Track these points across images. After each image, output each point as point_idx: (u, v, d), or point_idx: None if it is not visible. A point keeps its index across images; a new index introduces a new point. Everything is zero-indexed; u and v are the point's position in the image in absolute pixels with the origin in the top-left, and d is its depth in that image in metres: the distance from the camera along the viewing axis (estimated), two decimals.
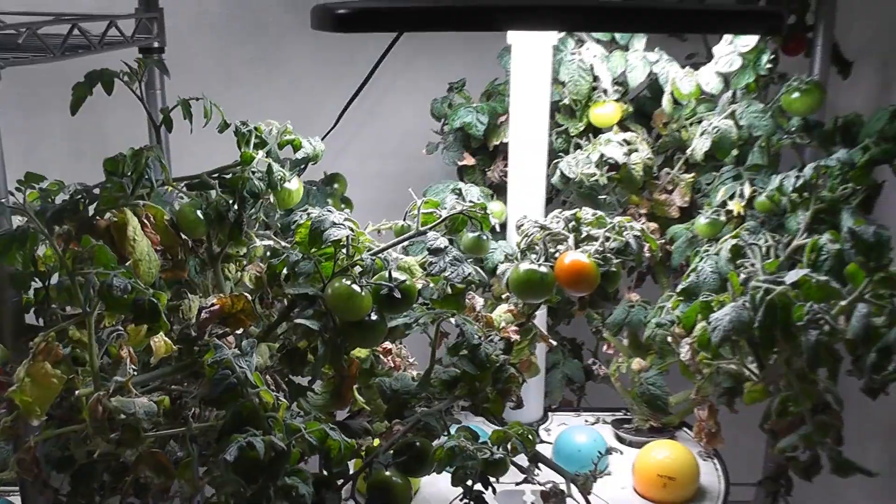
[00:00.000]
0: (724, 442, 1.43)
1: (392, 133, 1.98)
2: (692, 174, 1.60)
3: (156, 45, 1.52)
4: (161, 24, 1.53)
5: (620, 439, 1.66)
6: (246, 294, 1.16)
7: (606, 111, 1.60)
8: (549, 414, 1.73)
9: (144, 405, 1.02)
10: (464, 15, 1.20)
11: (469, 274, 1.21)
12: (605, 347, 1.65)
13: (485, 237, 1.35)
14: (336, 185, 1.59)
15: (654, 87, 1.64)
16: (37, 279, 1.12)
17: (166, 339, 1.07)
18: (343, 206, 1.58)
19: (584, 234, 1.35)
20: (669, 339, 1.38)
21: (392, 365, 1.32)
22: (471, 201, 1.35)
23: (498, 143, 1.67)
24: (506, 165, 1.63)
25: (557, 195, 1.67)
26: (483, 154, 1.72)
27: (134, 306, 1.00)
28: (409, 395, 1.25)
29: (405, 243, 1.30)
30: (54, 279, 1.11)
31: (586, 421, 1.72)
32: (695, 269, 1.37)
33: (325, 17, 1.19)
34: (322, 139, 1.46)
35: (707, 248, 1.41)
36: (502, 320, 1.33)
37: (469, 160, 1.70)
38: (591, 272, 1.29)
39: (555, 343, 1.50)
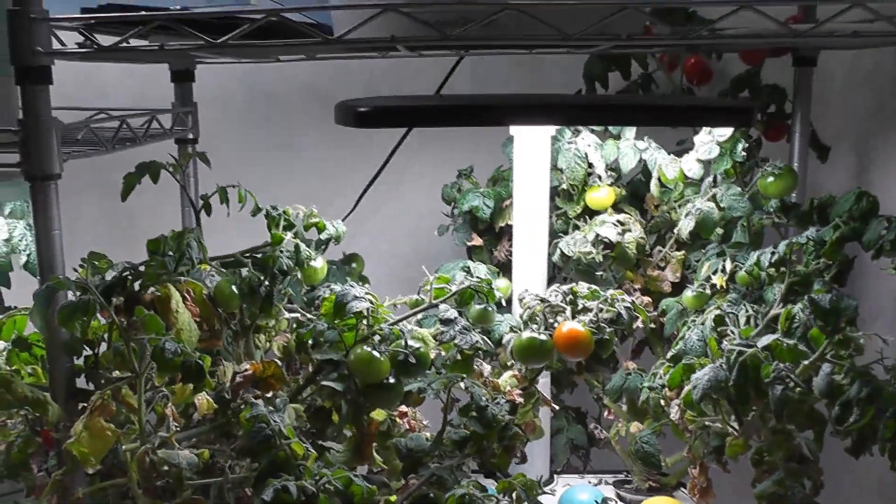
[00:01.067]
0: (715, 497, 1.53)
1: (404, 215, 2.09)
2: (682, 252, 1.71)
3: (190, 136, 1.66)
4: (195, 117, 1.68)
5: (621, 499, 1.75)
6: (276, 360, 1.29)
7: (601, 195, 1.72)
8: (555, 476, 1.83)
9: (187, 457, 1.14)
10: (469, 112, 1.34)
11: (476, 341, 1.36)
12: (606, 413, 1.76)
13: (490, 308, 1.47)
14: (354, 265, 1.71)
15: (646, 171, 1.75)
16: (86, 347, 1.23)
17: (208, 397, 1.20)
18: (360, 283, 1.67)
19: (581, 306, 1.48)
20: (661, 401, 1.50)
21: (407, 427, 1.45)
22: (478, 277, 1.48)
23: (503, 224, 1.79)
24: (511, 245, 1.74)
25: (559, 272, 1.78)
26: (490, 235, 1.83)
27: (183, 367, 1.13)
28: (423, 453, 1.37)
29: (419, 315, 1.43)
30: (103, 347, 1.22)
31: (589, 482, 1.82)
32: (682, 338, 1.50)
33: (347, 113, 1.32)
34: (342, 221, 1.59)
35: (694, 319, 1.54)
36: (507, 384, 1.46)
37: (477, 241, 1.81)
38: (586, 339, 1.43)
39: (557, 407, 1.61)
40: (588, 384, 1.75)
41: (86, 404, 1.20)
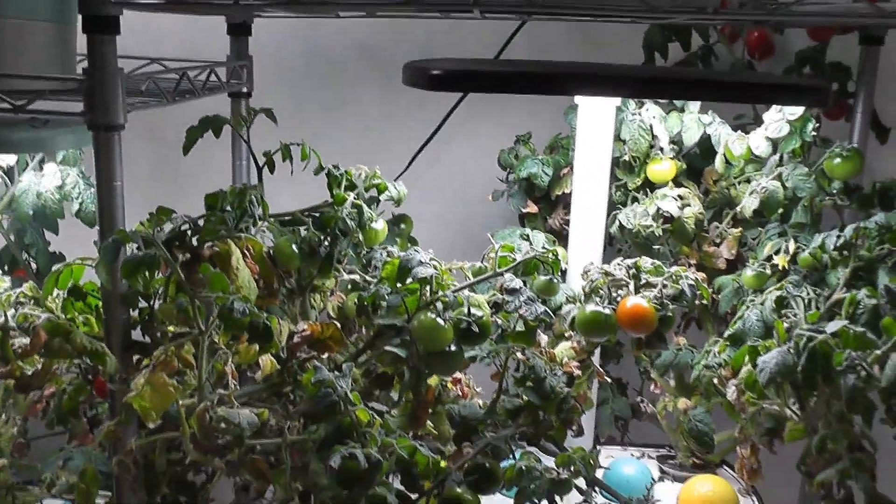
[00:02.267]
0: (764, 478, 1.52)
1: (455, 178, 2.08)
2: (739, 229, 1.70)
3: (245, 90, 1.64)
4: (250, 71, 1.65)
5: (664, 473, 1.76)
6: (335, 322, 1.29)
7: (663, 168, 1.71)
8: (598, 447, 1.81)
9: (247, 416, 1.14)
10: (540, 80, 1.32)
11: (541, 312, 1.34)
12: (652, 387, 1.75)
13: (556, 280, 1.46)
14: (403, 226, 1.68)
15: (703, 145, 1.73)
16: (142, 299, 1.23)
17: (272, 358, 1.20)
18: (410, 244, 1.66)
19: (643, 281, 1.47)
20: (716, 380, 1.49)
21: (459, 393, 1.44)
22: (543, 247, 1.47)
23: (560, 193, 1.78)
24: (566, 214, 1.74)
25: (612, 243, 1.77)
26: (545, 203, 1.82)
27: (250, 327, 1.12)
28: (476, 421, 1.36)
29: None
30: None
31: (632, 455, 1.82)
32: (741, 317, 1.48)
33: (418, 75, 1.31)
34: (394, 181, 1.57)
35: (752, 298, 1.52)
36: (564, 356, 1.45)
37: (532, 208, 1.81)
38: (650, 315, 1.41)
39: (609, 380, 1.61)
40: (636, 358, 1.74)
41: (140, 356, 1.22)
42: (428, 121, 1.98)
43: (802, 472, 1.34)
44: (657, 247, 1.68)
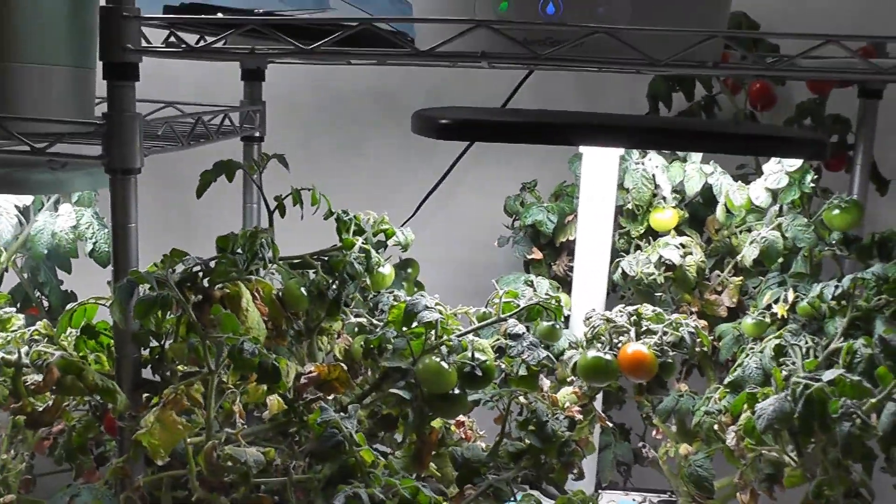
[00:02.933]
0: None
1: (460, 224, 2.11)
2: (740, 277, 1.72)
3: (257, 134, 1.67)
4: (263, 116, 1.69)
5: None
6: (341, 364, 1.30)
7: (665, 216, 1.73)
8: (600, 492, 1.83)
9: (254, 455, 1.16)
10: (545, 131, 1.36)
11: (543, 357, 1.37)
12: (654, 433, 1.76)
13: (558, 326, 1.48)
14: (410, 270, 1.70)
15: (705, 194, 1.76)
16: (153, 339, 1.25)
17: (279, 398, 1.22)
18: (416, 288, 1.69)
19: (644, 328, 1.49)
20: (716, 426, 1.51)
21: (463, 436, 1.46)
22: (546, 293, 1.50)
23: (564, 240, 1.80)
24: (570, 260, 1.76)
25: (615, 290, 1.78)
26: (549, 249, 1.85)
27: (259, 368, 1.15)
28: (479, 463, 1.38)
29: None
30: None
31: (634, 500, 1.83)
32: (741, 365, 1.50)
33: (426, 124, 1.34)
34: (401, 227, 1.60)
35: (752, 346, 1.54)
36: (567, 401, 1.47)
37: (537, 255, 1.83)
38: (651, 362, 1.44)
39: (611, 425, 1.63)
40: (639, 404, 1.76)
41: (150, 395, 1.24)
42: (437, 166, 2.01)
43: None
44: (659, 294, 1.70)
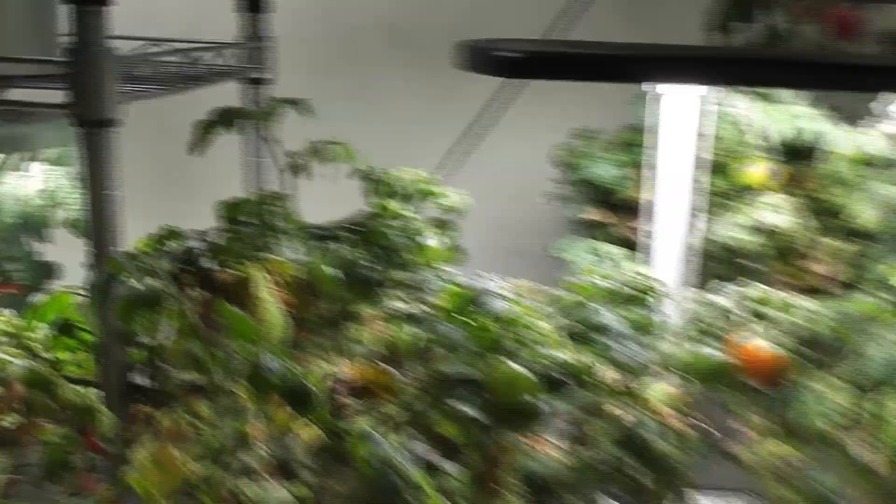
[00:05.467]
0: None
1: (499, 177, 1.96)
2: (851, 244, 1.54)
3: (266, 76, 1.51)
4: (269, 53, 1.52)
5: None
6: (388, 368, 1.09)
7: (757, 170, 1.56)
8: None
9: (283, 500, 0.95)
10: (662, 67, 1.15)
11: (635, 354, 1.12)
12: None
13: (652, 312, 1.24)
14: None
15: (801, 143, 1.58)
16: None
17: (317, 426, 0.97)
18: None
19: (762, 315, 1.26)
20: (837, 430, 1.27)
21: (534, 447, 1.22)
22: (636, 273, 1.25)
23: (627, 197, 1.62)
24: (634, 222, 1.57)
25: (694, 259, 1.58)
26: (608, 208, 1.66)
27: (288, 391, 0.89)
28: (558, 483, 1.14)
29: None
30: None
31: None
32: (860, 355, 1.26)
33: (487, 59, 1.13)
34: None
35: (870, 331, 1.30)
36: (664, 405, 1.22)
37: (596, 215, 1.65)
38: (783, 366, 1.20)
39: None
40: None
41: (143, 407, 1.03)
42: (464, 111, 1.90)
43: None
44: (751, 264, 1.51)
